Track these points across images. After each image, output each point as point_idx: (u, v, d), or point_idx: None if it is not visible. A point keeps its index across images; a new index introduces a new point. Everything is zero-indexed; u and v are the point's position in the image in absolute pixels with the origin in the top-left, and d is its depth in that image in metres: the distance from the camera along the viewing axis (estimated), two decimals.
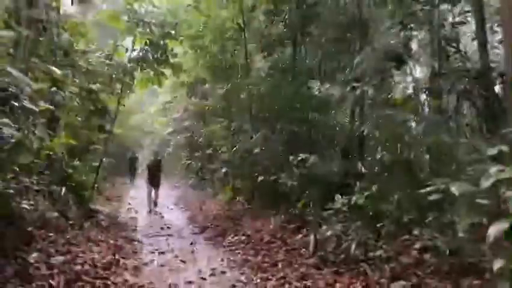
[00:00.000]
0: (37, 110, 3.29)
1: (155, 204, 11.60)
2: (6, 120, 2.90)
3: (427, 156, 4.82)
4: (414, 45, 8.29)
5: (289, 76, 9.17)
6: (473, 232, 3.50)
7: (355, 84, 6.29)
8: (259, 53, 10.68)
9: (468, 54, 8.26)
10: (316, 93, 7.41)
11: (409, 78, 8.13)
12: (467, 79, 7.20)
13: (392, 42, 6.97)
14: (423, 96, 7.67)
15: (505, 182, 2.72)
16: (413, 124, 5.77)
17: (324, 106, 8.10)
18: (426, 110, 7.50)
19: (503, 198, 2.71)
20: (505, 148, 3.15)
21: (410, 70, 7.65)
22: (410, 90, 8.05)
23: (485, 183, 2.86)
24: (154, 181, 11.45)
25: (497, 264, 2.56)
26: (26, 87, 3.11)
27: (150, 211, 11.10)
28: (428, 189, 3.49)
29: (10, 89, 2.98)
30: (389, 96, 7.08)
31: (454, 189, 3.13)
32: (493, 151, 3.24)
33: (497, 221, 2.72)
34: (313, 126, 8.44)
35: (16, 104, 3.07)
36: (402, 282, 3.83)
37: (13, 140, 2.90)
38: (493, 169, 2.84)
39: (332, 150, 8.56)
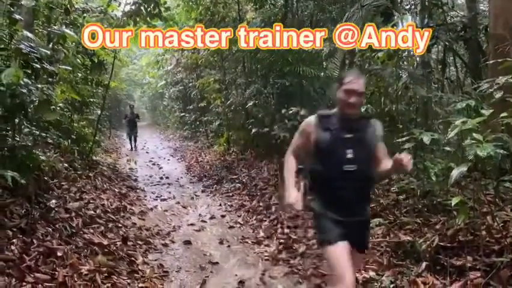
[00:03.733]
0: (56, 71, 3.57)
1: None
2: (28, 81, 3.19)
3: (407, 109, 5.19)
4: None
5: None
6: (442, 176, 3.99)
7: None
8: (251, 4, 10.68)
9: (457, 6, 8.42)
10: None
11: None
12: (453, 32, 7.46)
13: None
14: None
15: (467, 132, 3.14)
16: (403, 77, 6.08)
17: (315, 60, 8.34)
18: (416, 63, 7.77)
19: (465, 146, 3.13)
20: (471, 102, 3.56)
21: (398, 24, 7.83)
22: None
23: (451, 134, 3.29)
24: None
25: (455, 201, 3.04)
26: (44, 51, 3.39)
27: None
28: (404, 138, 3.90)
29: (33, 53, 3.26)
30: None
31: (425, 138, 3.56)
32: (461, 105, 3.66)
33: (459, 166, 3.19)
34: (305, 80, 8.70)
35: (38, 66, 3.36)
36: (380, 219, 4.37)
37: (37, 99, 3.22)
38: (458, 121, 3.26)
39: (323, 103, 8.89)
